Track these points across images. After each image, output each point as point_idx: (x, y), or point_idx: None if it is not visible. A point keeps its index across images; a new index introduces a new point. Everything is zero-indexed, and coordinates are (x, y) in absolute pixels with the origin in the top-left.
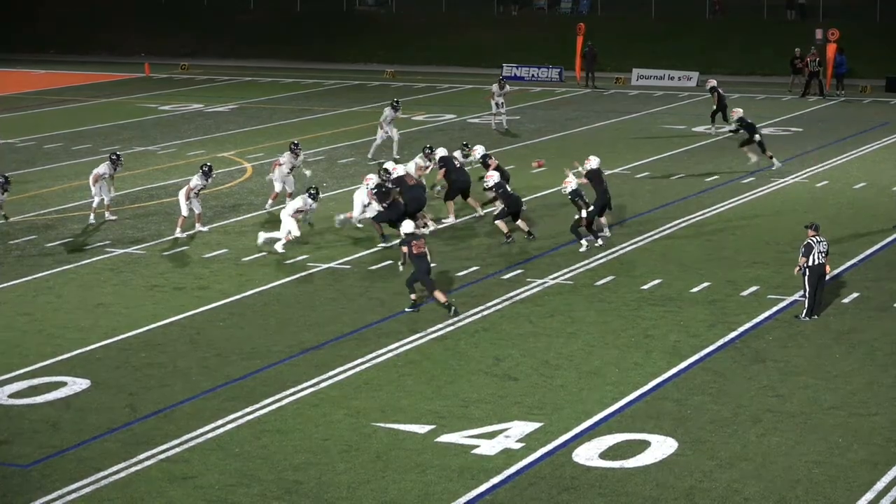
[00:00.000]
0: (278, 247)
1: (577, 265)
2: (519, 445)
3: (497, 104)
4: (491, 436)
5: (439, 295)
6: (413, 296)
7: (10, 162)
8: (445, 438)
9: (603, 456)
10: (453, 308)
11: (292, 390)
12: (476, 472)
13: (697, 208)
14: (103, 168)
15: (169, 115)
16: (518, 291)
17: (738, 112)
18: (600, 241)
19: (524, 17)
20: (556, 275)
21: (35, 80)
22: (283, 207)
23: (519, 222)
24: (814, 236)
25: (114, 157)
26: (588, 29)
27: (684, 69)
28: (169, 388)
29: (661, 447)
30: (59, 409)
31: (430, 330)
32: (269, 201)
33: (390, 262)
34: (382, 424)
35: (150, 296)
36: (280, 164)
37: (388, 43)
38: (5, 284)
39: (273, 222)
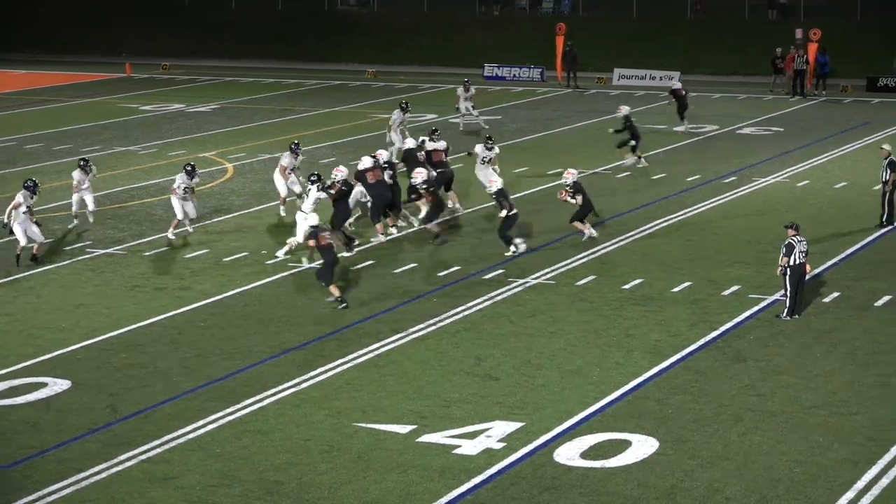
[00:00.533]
0: (280, 253)
1: (559, 265)
2: (500, 445)
3: (467, 108)
4: (472, 436)
5: (334, 289)
6: (336, 291)
7: None
8: (427, 438)
9: (584, 455)
10: (344, 304)
11: (273, 390)
12: (457, 472)
13: (679, 208)
14: (77, 175)
15: (150, 115)
16: (499, 291)
17: (624, 109)
18: (522, 248)
19: (506, 17)
20: (537, 274)
21: (15, 80)
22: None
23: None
24: (794, 236)
25: (82, 162)
26: (569, 29)
27: (666, 69)
28: (150, 389)
29: (642, 447)
30: (39, 410)
31: (411, 330)
32: (281, 207)
33: (371, 262)
34: (364, 424)
35: (130, 296)
36: (284, 168)
37: (369, 43)
38: None
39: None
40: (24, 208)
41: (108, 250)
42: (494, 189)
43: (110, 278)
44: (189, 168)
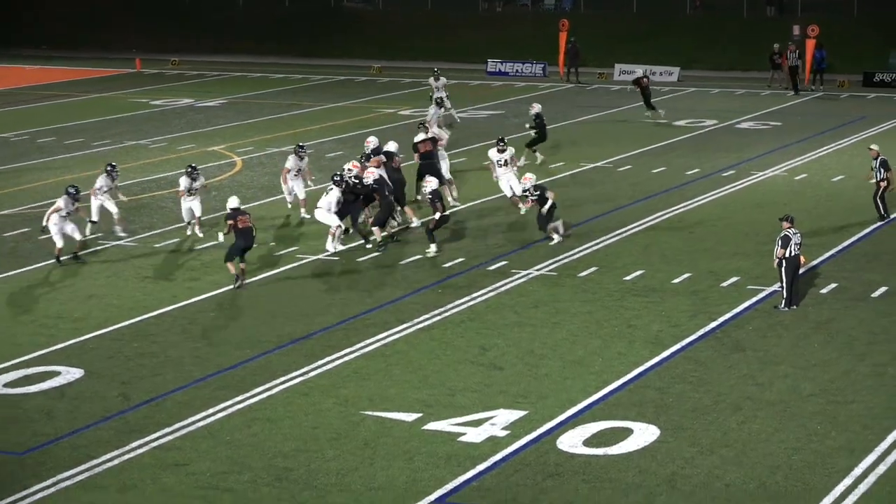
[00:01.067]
0: (330, 247)
1: (561, 256)
2: (504, 433)
3: (440, 98)
4: (477, 423)
5: (231, 266)
6: (232, 269)
7: (4, 156)
8: (432, 426)
9: (587, 443)
10: (240, 283)
11: (282, 379)
12: (462, 459)
13: (679, 201)
14: (101, 180)
15: (160, 109)
16: (503, 282)
17: (536, 107)
18: (434, 251)
19: (508, 14)
20: (540, 266)
21: (28, 75)
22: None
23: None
24: (789, 228)
25: (108, 167)
26: (571, 25)
27: (665, 64)
28: (161, 377)
29: (643, 434)
30: (53, 398)
31: (416, 320)
32: (302, 210)
33: (377, 253)
34: (370, 413)
35: (141, 287)
36: (288, 171)
37: (374, 39)
38: (1, 276)
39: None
40: (64, 213)
41: (119, 242)
42: (429, 189)
43: (122, 269)
44: (190, 169)
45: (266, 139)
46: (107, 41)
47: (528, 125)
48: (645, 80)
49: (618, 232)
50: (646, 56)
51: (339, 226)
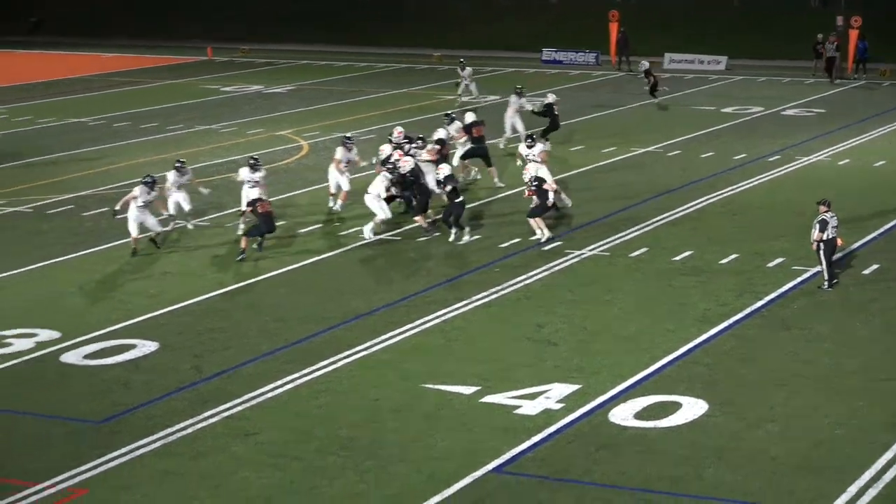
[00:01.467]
0: (367, 234)
1: (613, 237)
2: (559, 406)
3: (466, 85)
4: (532, 397)
5: (245, 242)
6: (244, 244)
7: (82, 140)
8: (490, 399)
9: (638, 416)
10: (242, 256)
11: (347, 353)
12: (518, 431)
13: (726, 185)
14: (171, 176)
15: (230, 95)
16: (557, 262)
17: (550, 97)
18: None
19: (562, 5)
20: (593, 247)
21: (103, 62)
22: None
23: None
24: (826, 212)
25: (178, 164)
26: (622, 15)
27: (713, 53)
28: (232, 351)
29: (692, 409)
30: (129, 370)
31: (474, 298)
32: (339, 202)
33: (438, 234)
34: (431, 386)
35: (213, 265)
36: (339, 161)
37: (435, 29)
38: (80, 254)
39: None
40: (140, 202)
41: (191, 222)
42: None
43: (194, 248)
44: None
45: (331, 124)
46: (179, 29)
47: (533, 110)
48: (653, 76)
49: (667, 214)
50: (694, 45)
51: (384, 216)
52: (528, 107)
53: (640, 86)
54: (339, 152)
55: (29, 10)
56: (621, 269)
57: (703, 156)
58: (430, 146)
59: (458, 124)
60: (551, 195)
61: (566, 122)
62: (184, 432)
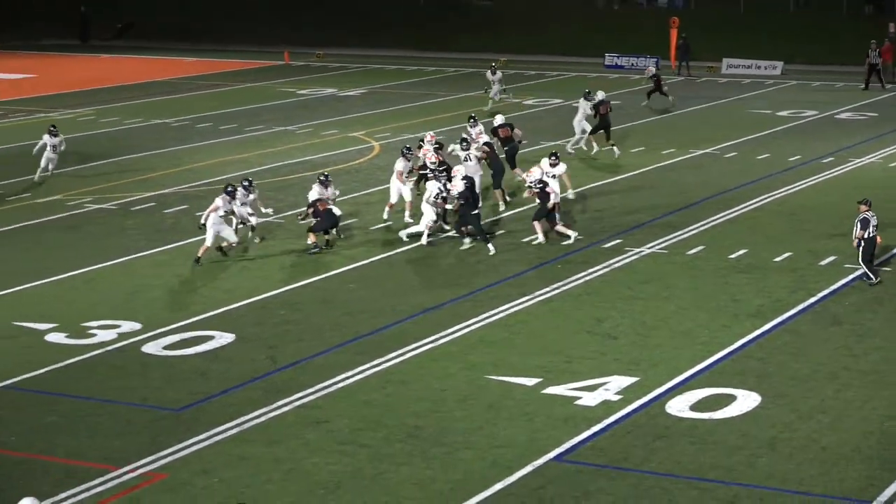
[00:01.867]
0: (423, 240)
1: (671, 236)
2: (617, 397)
3: (497, 92)
4: (592, 388)
5: (313, 237)
6: (312, 239)
7: (165, 139)
8: (551, 390)
9: (693, 408)
10: (317, 249)
11: (414, 345)
12: (578, 421)
13: (781, 185)
14: (238, 194)
15: (306, 98)
16: (617, 259)
17: (599, 94)
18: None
19: (624, 12)
20: (651, 244)
21: (186, 66)
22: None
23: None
24: (867, 210)
25: (245, 182)
26: (682, 22)
27: (770, 59)
28: (304, 343)
29: (745, 401)
30: (207, 360)
31: (537, 293)
32: (386, 210)
33: (502, 231)
34: (494, 377)
35: (287, 260)
36: (400, 173)
37: (502, 34)
38: (162, 248)
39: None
40: (221, 212)
41: (268, 219)
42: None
43: (269, 243)
44: (322, 178)
45: (402, 126)
46: (257, 35)
47: (589, 110)
48: (659, 77)
49: (724, 213)
50: (751, 50)
51: (435, 221)
52: (591, 111)
53: (699, 89)
54: (400, 163)
55: (117, 16)
56: (679, 266)
57: (759, 157)
58: (476, 147)
59: (480, 127)
60: (553, 198)
61: (628, 124)
62: (258, 420)
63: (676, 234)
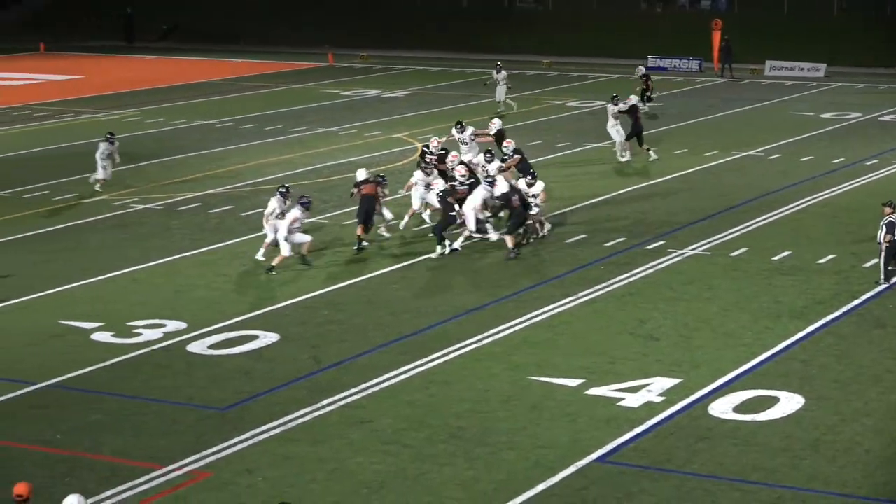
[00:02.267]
0: (492, 236)
1: (714, 237)
2: (660, 399)
3: (502, 93)
4: (635, 390)
5: (360, 229)
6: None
7: (210, 140)
8: (594, 391)
9: (736, 410)
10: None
11: (457, 346)
12: (621, 422)
13: (825, 187)
14: (274, 203)
15: (350, 99)
16: (660, 261)
17: (633, 99)
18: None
19: (667, 14)
20: (694, 246)
21: (230, 68)
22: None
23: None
24: (892, 213)
25: (282, 189)
26: (725, 24)
27: (813, 61)
28: (348, 343)
29: (789, 403)
30: (252, 360)
31: (580, 294)
32: (406, 219)
33: (544, 235)
34: (538, 378)
35: (331, 260)
36: (414, 184)
37: (545, 36)
38: (207, 248)
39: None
40: (277, 211)
41: (310, 219)
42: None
43: (314, 244)
44: (382, 180)
45: (445, 127)
46: (302, 35)
47: (620, 109)
48: (649, 79)
49: (767, 215)
50: (794, 53)
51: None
52: (621, 106)
53: (742, 91)
54: (417, 175)
55: (163, 18)
56: (721, 267)
57: (803, 159)
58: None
59: (471, 130)
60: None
61: (670, 126)
62: (303, 419)
63: (719, 235)
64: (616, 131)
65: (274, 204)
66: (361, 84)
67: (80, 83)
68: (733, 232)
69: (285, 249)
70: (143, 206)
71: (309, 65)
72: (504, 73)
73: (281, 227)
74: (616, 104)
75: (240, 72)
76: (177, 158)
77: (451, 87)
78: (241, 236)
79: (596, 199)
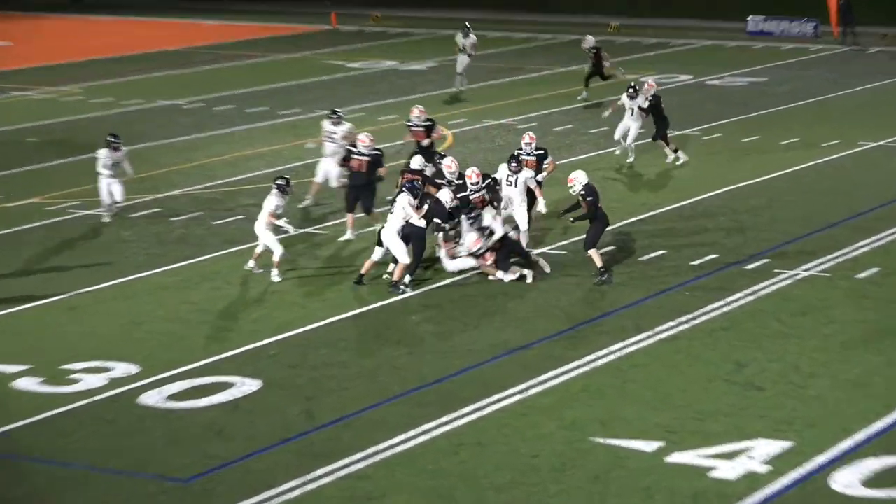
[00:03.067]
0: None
1: (835, 254)
2: (765, 468)
3: (463, 65)
4: (731, 456)
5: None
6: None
7: (175, 126)
8: (676, 458)
9: (867, 484)
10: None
11: (496, 397)
12: (713, 499)
13: None
14: (273, 200)
15: (358, 73)
16: (764, 284)
17: (651, 84)
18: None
19: None
20: (809, 265)
21: (206, 32)
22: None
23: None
24: None
25: (281, 180)
26: None
27: None
28: (351, 392)
29: None
30: (225, 414)
31: (658, 328)
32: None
33: (612, 247)
34: (602, 440)
35: (332, 283)
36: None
37: None
38: (167, 268)
39: None
40: (280, 210)
41: (303, 230)
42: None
43: (308, 263)
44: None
45: (482, 109)
46: None
47: (641, 107)
48: (600, 52)
49: None
50: None
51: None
52: (644, 103)
53: (867, 63)
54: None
55: None
56: (845, 292)
57: None
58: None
59: (346, 126)
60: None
61: (776, 108)
62: (290, 494)
63: (842, 251)
64: (625, 130)
65: (273, 201)
66: (373, 53)
67: (6, 52)
68: (860, 247)
69: (277, 251)
70: (85, 212)
71: (305, 28)
72: (473, 38)
73: (260, 218)
74: (634, 98)
75: (215, 37)
76: (131, 150)
77: (489, 56)
78: (212, 252)
79: (681, 204)
